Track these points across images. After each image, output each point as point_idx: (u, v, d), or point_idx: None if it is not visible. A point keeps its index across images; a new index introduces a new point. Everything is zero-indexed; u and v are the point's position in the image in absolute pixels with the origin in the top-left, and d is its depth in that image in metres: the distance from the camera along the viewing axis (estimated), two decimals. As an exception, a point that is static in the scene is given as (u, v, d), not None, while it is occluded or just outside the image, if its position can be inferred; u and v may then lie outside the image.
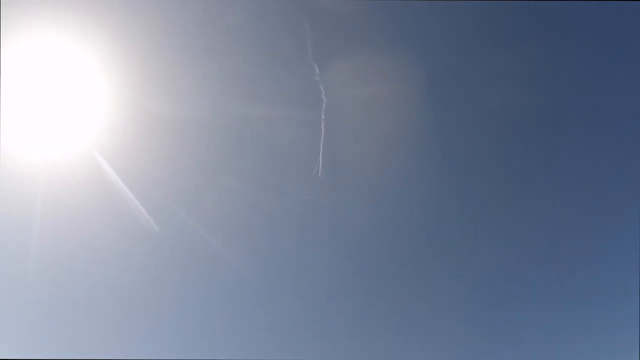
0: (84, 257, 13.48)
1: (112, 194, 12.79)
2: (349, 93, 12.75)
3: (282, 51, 12.75)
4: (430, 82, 13.22)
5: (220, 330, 14.63)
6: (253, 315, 14.69)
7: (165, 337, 14.23)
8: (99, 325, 13.88)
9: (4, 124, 12.08)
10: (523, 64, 13.29)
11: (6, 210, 12.88)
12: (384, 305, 15.02)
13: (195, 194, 13.72)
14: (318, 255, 14.64)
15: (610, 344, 13.88)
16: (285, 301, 14.70)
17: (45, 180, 12.67)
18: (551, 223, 14.87)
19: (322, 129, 12.32)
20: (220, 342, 14.43)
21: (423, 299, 14.95)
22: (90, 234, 13.30)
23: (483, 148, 14.34)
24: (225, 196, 13.60)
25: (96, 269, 13.61)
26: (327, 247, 14.67)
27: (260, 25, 12.51)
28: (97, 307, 13.84)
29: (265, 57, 12.73)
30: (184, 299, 14.36)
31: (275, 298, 14.66)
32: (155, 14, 12.05)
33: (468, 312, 14.93)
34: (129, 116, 12.67)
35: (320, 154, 12.34)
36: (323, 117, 12.28)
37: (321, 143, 12.29)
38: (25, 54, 11.87)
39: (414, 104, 13.08)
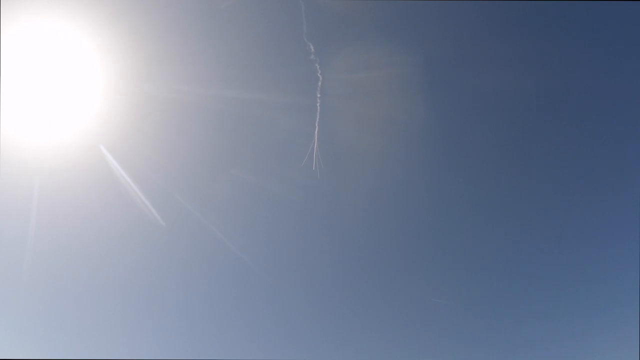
0: (89, 252, 13.67)
1: (117, 188, 12.87)
2: (344, 72, 12.64)
3: (276, 29, 12.67)
4: (427, 65, 13.10)
5: (225, 323, 14.86)
6: (259, 308, 14.88)
7: (171, 332, 14.49)
8: (105, 317, 14.10)
9: (10, 119, 12.05)
10: (523, 62, 13.25)
11: (13, 205, 12.98)
12: (389, 300, 15.25)
13: (200, 188, 13.75)
14: (321, 245, 14.76)
15: (610, 343, 14.02)
16: (291, 295, 14.88)
17: (51, 174, 12.78)
18: (552, 222, 14.88)
19: (318, 107, 12.28)
20: (224, 334, 14.68)
21: (424, 294, 15.10)
22: (97, 229, 13.46)
23: (482, 141, 14.24)
24: (231, 189, 13.63)
25: (102, 263, 13.79)
26: (328, 240, 14.77)
27: (255, 5, 12.40)
28: (103, 301, 14.03)
29: (260, 37, 12.65)
30: (189, 293, 14.54)
31: (280, 292, 14.83)
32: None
33: (468, 310, 15.04)
34: (133, 111, 12.66)
35: (316, 132, 12.34)
36: (319, 95, 12.25)
37: (317, 120, 12.23)
38: (32, 49, 11.87)
39: (411, 86, 12.98)
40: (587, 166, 14.35)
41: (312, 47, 12.00)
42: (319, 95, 12.30)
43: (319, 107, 12.36)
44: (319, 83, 12.18)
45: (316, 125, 12.39)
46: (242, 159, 13.58)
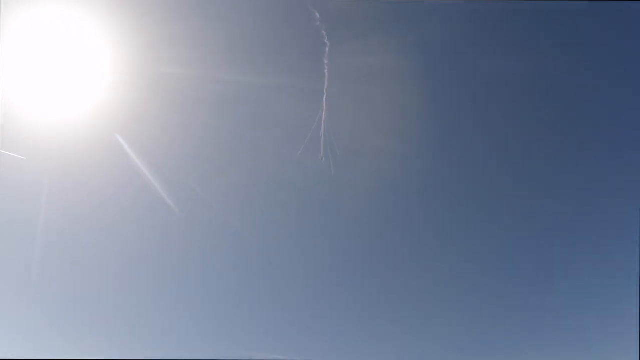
0: (103, 242, 13.83)
1: (134, 176, 13.00)
2: (350, 41, 12.59)
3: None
4: (436, 40, 13.09)
5: (237, 311, 14.98)
6: (272, 299, 15.02)
7: (184, 322, 14.60)
8: (116, 308, 14.23)
9: (25, 109, 12.20)
10: (524, 62, 13.52)
11: (28, 196, 13.07)
12: (395, 295, 15.48)
13: (213, 176, 13.88)
14: (329, 230, 15.00)
15: (610, 343, 14.06)
16: (304, 283, 15.06)
17: (66, 164, 12.93)
18: (551, 222, 15.23)
19: (326, 74, 12.13)
20: (236, 321, 14.84)
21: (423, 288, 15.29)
22: (111, 218, 13.57)
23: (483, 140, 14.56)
24: (245, 177, 13.79)
25: (116, 252, 13.88)
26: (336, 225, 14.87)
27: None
28: (115, 291, 14.18)
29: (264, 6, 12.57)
30: (202, 283, 14.70)
31: (295, 279, 15.00)
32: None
33: (468, 309, 15.29)
34: (149, 100, 12.79)
35: (324, 98, 12.16)
36: (326, 62, 12.14)
37: (325, 87, 12.16)
38: (43, 39, 12.00)
39: (420, 56, 12.94)
40: (587, 163, 14.80)
41: (317, 14, 11.92)
42: (326, 62, 12.18)
43: (326, 74, 12.22)
44: (326, 49, 12.05)
45: (324, 91, 12.31)
46: (252, 138, 13.57)
